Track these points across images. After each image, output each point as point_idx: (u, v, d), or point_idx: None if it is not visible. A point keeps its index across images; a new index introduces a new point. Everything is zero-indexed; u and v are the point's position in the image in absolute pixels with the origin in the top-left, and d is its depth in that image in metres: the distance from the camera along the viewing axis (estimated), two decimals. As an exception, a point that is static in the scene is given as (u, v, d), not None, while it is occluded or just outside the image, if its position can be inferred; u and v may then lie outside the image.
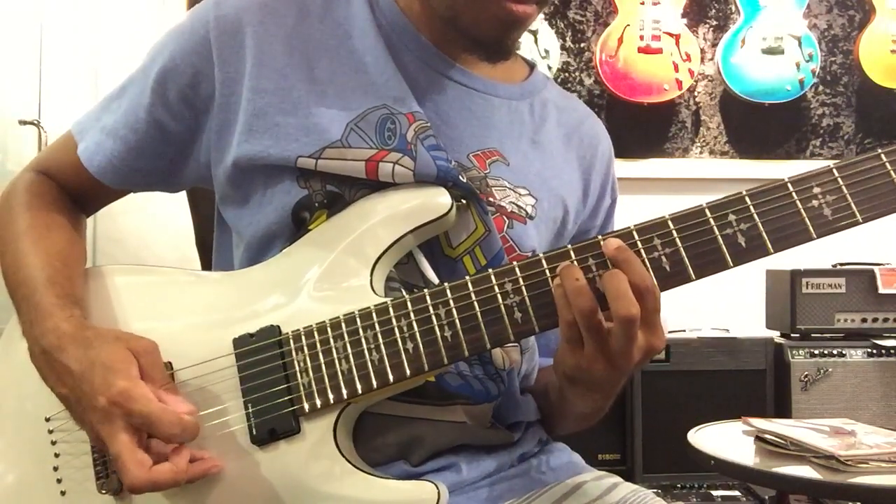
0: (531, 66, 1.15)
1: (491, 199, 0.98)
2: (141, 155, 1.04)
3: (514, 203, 1.00)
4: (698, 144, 3.33)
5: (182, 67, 0.99)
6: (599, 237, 0.84)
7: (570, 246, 0.85)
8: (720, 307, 2.94)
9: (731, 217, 0.83)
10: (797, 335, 2.77)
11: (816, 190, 0.82)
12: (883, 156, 0.83)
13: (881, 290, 2.73)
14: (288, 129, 0.95)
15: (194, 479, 0.85)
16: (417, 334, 0.86)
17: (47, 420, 0.95)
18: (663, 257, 0.83)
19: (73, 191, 1.09)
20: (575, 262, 0.83)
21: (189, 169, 1.05)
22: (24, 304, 0.95)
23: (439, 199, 0.92)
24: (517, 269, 0.85)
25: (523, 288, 0.85)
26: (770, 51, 3.16)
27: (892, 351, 2.66)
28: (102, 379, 0.84)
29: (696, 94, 3.32)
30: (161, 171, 1.06)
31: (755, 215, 0.83)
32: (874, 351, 2.68)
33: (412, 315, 0.87)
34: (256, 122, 0.95)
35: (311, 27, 1.00)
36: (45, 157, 1.13)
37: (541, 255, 0.85)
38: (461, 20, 0.96)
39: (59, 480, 0.95)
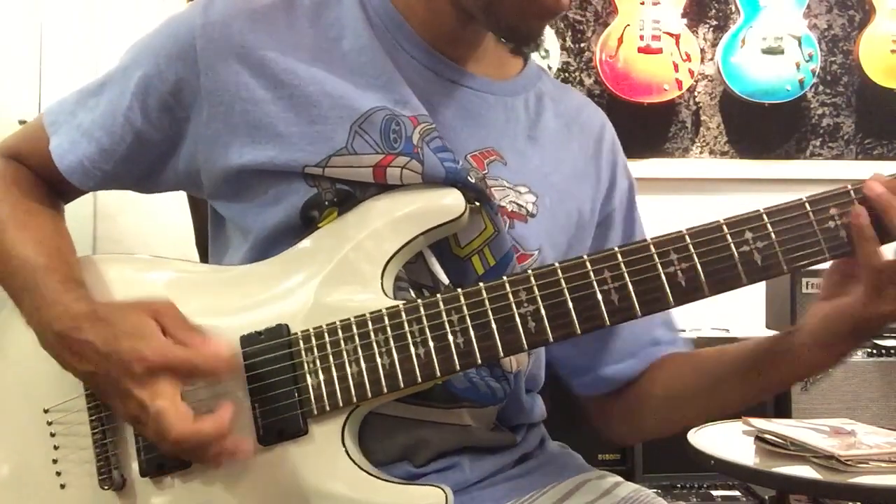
0: (525, 58, 1.13)
1: (491, 199, 0.98)
2: (114, 159, 1.02)
3: (514, 202, 0.99)
4: (698, 144, 3.33)
5: (165, 74, 0.97)
6: (616, 248, 0.84)
7: (585, 256, 0.85)
8: (720, 307, 2.93)
9: (748, 234, 0.83)
10: (797, 335, 2.77)
11: (833, 211, 0.83)
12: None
13: (881, 291, 2.73)
14: (291, 139, 0.93)
15: (233, 451, 0.85)
16: (429, 340, 0.86)
17: (46, 412, 0.95)
18: (679, 272, 0.83)
19: (47, 179, 1.07)
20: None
21: (165, 176, 1.03)
22: (24, 294, 0.93)
23: (452, 202, 0.91)
24: (532, 278, 0.85)
25: (538, 297, 0.85)
26: (770, 51, 3.16)
27: (892, 351, 2.66)
28: (131, 347, 0.84)
29: (696, 94, 3.32)
30: (133, 177, 1.04)
31: (772, 234, 0.82)
32: (874, 351, 2.67)
33: (424, 320, 0.86)
34: (257, 134, 0.94)
35: (303, 31, 0.97)
36: (14, 144, 1.09)
37: (556, 264, 0.85)
38: (499, 7, 0.93)
39: (58, 473, 0.95)
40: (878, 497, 1.68)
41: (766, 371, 0.96)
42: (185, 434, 0.81)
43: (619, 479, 1.08)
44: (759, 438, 1.92)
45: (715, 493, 2.59)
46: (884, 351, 2.66)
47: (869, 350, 2.68)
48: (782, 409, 2.66)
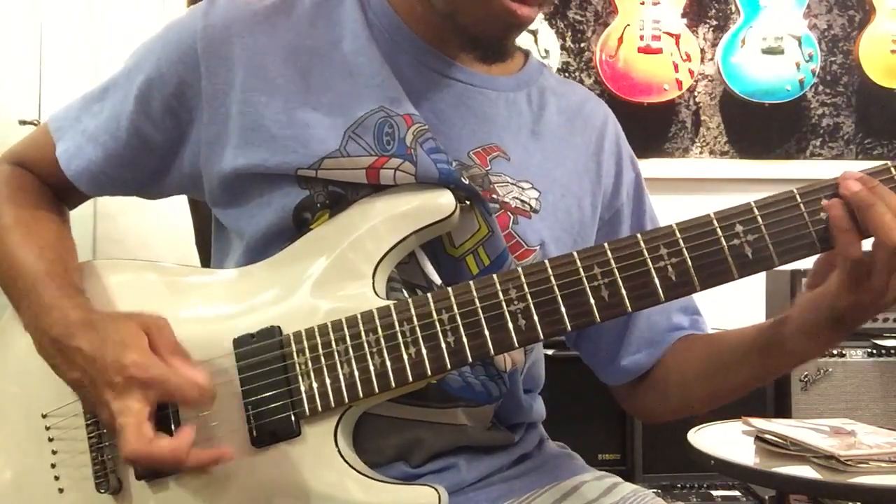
0: (525, 53, 1.13)
1: (494, 195, 0.98)
2: (120, 163, 1.02)
3: (517, 198, 0.99)
4: (698, 144, 3.33)
5: (167, 77, 0.97)
6: (606, 244, 0.84)
7: (575, 253, 0.84)
8: (720, 307, 2.94)
9: (739, 228, 0.82)
10: (797, 335, 2.76)
11: (824, 203, 0.82)
12: (893, 168, 0.82)
13: (881, 290, 2.73)
14: (285, 142, 0.93)
15: (201, 463, 0.84)
16: (420, 339, 0.86)
17: (44, 417, 0.95)
18: (669, 267, 0.83)
19: (52, 185, 1.07)
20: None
21: (171, 178, 1.03)
22: (24, 299, 0.94)
23: (443, 201, 0.91)
24: (522, 276, 0.85)
25: (528, 294, 0.84)
26: (770, 51, 3.16)
27: (892, 351, 2.65)
28: (115, 355, 0.84)
29: (696, 94, 3.32)
30: (139, 181, 1.05)
31: (763, 227, 0.82)
32: (874, 351, 2.67)
33: (415, 319, 0.86)
34: (251, 135, 0.94)
35: (303, 33, 0.98)
36: (20, 151, 1.10)
37: (546, 261, 0.85)
38: (460, 17, 0.94)
39: (56, 478, 0.95)
40: (878, 497, 1.68)
41: (761, 358, 0.96)
42: (138, 454, 0.81)
43: (618, 479, 1.08)
44: (759, 438, 1.92)
45: (715, 493, 2.59)
46: (884, 351, 2.66)
47: (869, 350, 2.68)
48: (782, 409, 2.67)
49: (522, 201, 1.00)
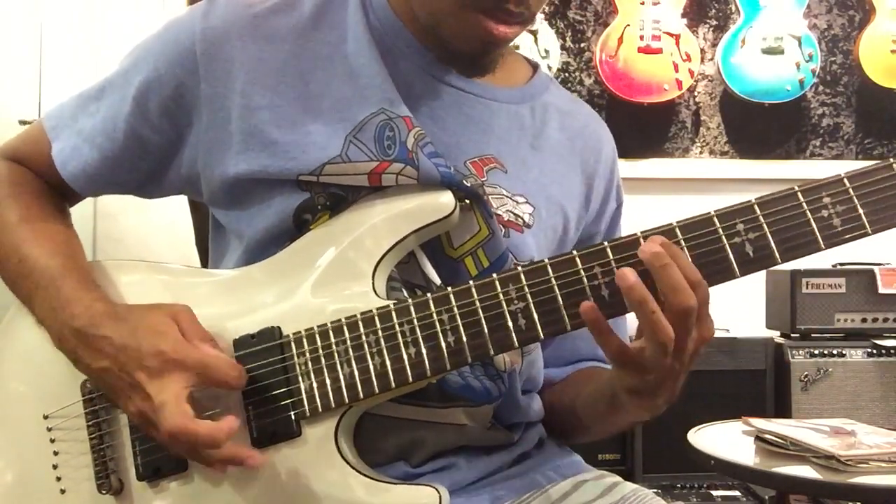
0: (534, 67, 1.13)
1: (489, 207, 0.97)
2: (116, 166, 1.02)
3: (510, 212, 0.99)
4: (698, 144, 3.33)
5: (165, 79, 0.96)
6: (605, 243, 0.84)
7: (575, 252, 0.84)
8: (720, 307, 2.93)
9: (740, 226, 0.82)
10: (797, 335, 2.77)
11: (826, 199, 0.81)
12: (895, 165, 0.81)
13: (881, 290, 2.74)
14: (286, 147, 0.93)
15: (230, 458, 0.84)
16: (420, 339, 0.86)
17: (45, 418, 0.95)
18: None
19: (49, 182, 1.07)
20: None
21: (167, 180, 1.03)
22: (38, 293, 0.94)
23: (443, 200, 0.91)
24: (522, 276, 0.85)
25: (528, 294, 0.84)
26: (770, 51, 3.16)
27: (892, 351, 2.66)
28: (151, 342, 0.85)
29: (696, 94, 3.32)
30: (135, 182, 1.05)
31: (764, 224, 0.81)
32: (874, 351, 2.68)
33: (415, 320, 0.86)
34: (252, 141, 0.94)
35: (304, 36, 0.97)
36: (14, 147, 1.09)
37: (546, 260, 0.85)
38: (441, 31, 0.94)
39: (58, 479, 0.95)
40: (878, 497, 1.68)
41: (609, 407, 0.98)
42: (179, 430, 0.81)
43: (618, 478, 1.08)
44: (759, 438, 1.92)
45: (715, 493, 2.59)
46: (884, 351, 2.67)
47: (869, 350, 2.68)
48: (782, 409, 2.67)
49: (516, 215, 0.99)
